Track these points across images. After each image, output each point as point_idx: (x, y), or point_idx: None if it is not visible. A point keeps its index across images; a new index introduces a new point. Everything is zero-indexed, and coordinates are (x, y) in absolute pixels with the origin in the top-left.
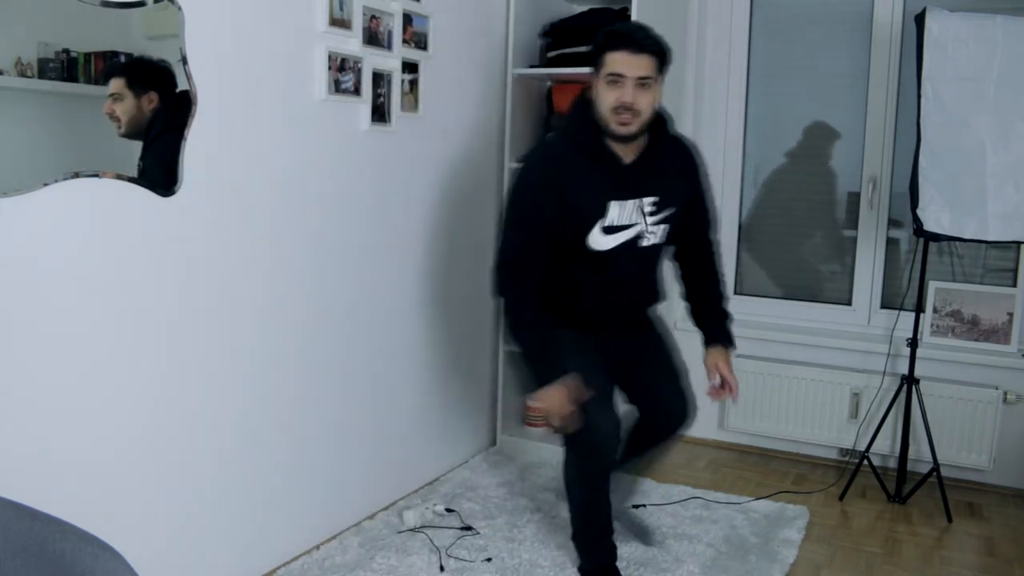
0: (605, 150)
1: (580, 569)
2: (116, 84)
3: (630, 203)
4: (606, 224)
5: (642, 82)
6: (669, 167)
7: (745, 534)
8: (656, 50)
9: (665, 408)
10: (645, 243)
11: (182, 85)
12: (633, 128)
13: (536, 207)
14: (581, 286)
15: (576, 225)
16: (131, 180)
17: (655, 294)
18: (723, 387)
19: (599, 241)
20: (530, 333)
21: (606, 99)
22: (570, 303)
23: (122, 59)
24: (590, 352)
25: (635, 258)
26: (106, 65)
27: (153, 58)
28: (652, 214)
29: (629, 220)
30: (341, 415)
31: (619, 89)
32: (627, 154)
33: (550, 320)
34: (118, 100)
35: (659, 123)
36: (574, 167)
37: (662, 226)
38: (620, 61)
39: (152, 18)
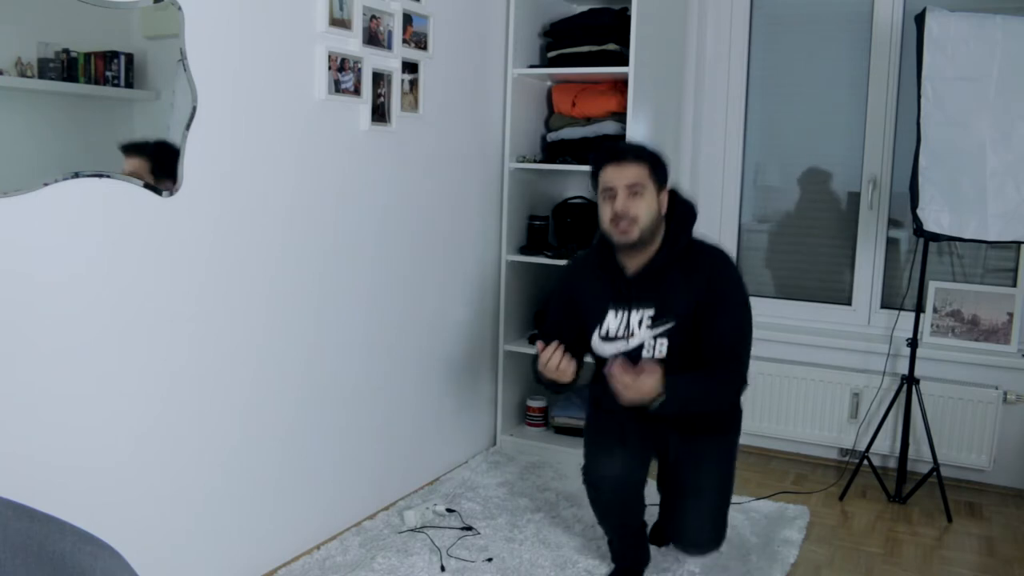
0: (612, 261)
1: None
2: None
3: (626, 313)
4: (603, 332)
5: (632, 189)
6: (677, 278)
7: (745, 534)
8: (641, 156)
9: (686, 533)
10: (647, 355)
11: (182, 85)
12: (633, 236)
13: (560, 301)
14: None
15: (585, 328)
16: (132, 180)
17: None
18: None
19: (599, 347)
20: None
21: (604, 214)
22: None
23: (122, 59)
24: (626, 422)
25: None
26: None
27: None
28: (651, 327)
29: (626, 331)
30: (342, 415)
31: (613, 201)
32: (632, 264)
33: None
34: None
35: (674, 232)
36: (586, 274)
37: (664, 340)
38: (609, 174)
39: (152, 18)
